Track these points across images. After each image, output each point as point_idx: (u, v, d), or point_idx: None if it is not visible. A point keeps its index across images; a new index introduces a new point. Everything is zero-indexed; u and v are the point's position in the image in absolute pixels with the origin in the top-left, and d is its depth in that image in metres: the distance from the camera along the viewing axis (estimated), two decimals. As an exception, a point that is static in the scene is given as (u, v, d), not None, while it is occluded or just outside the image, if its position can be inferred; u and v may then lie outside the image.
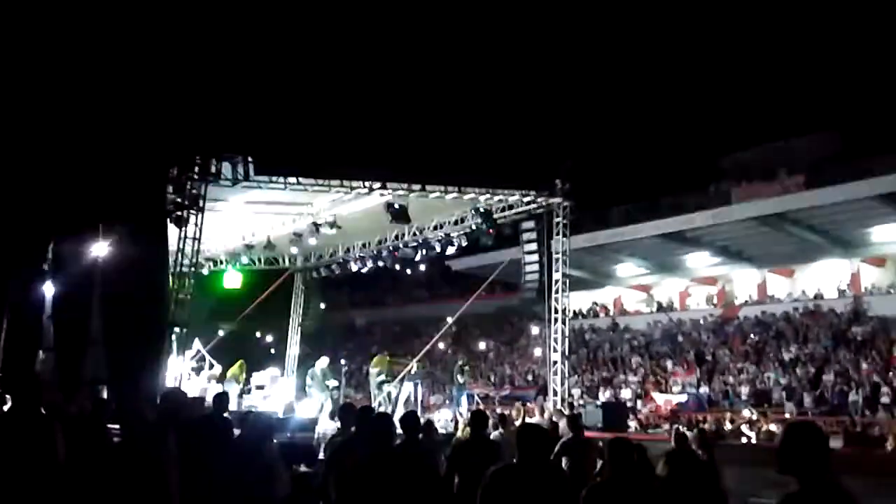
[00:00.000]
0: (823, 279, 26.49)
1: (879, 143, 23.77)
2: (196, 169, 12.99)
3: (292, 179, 13.87)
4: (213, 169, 12.97)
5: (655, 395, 22.45)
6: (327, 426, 12.27)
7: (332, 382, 16.39)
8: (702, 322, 28.28)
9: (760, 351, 24.17)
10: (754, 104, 36.91)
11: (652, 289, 32.48)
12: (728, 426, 16.81)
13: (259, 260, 20.30)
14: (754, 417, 16.84)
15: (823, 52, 35.56)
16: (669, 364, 25.34)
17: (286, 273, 22.06)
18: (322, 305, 22.71)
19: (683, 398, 21.65)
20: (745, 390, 21.72)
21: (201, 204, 13.23)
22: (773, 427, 15.30)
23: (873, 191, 21.76)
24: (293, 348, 22.48)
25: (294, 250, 19.29)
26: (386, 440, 4.22)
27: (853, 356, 21.44)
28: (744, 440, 15.62)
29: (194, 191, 13.12)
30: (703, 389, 22.28)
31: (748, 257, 28.28)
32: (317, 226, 16.00)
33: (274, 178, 13.68)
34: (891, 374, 19.73)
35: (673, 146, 36.75)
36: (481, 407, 17.41)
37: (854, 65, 34.00)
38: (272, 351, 27.29)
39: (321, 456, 7.86)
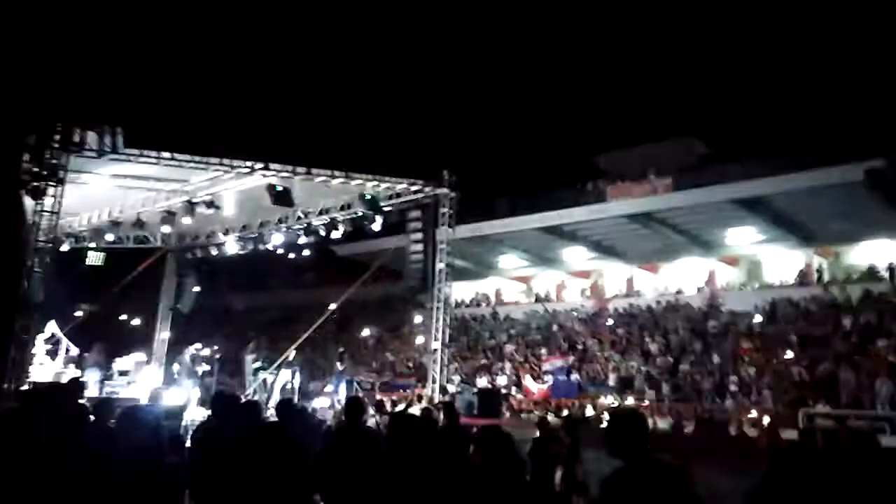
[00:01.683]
0: (684, 276, 28.50)
1: (736, 151, 25.92)
2: (57, 137, 12.00)
3: (166, 154, 13.13)
4: (77, 138, 12.03)
5: (528, 382, 23.32)
6: (196, 414, 11.82)
7: (204, 368, 15.77)
8: (575, 313, 29.66)
9: (626, 341, 25.70)
10: (632, 109, 39.10)
11: (531, 280, 33.64)
12: (592, 412, 17.80)
13: (127, 238, 19.09)
14: (616, 403, 17.93)
15: (694, 66, 38.21)
16: (543, 352, 26.38)
17: (157, 253, 20.89)
18: (196, 288, 21.64)
19: (554, 386, 22.62)
20: (611, 377, 23.05)
21: (62, 175, 12.25)
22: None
23: (728, 195, 23.61)
24: (162, 333, 21.37)
25: (167, 229, 18.28)
26: (253, 427, 4.12)
27: (706, 347, 23.27)
28: (604, 425, 16.61)
29: (54, 161, 12.13)
30: (574, 377, 23.38)
31: (619, 253, 29.87)
32: (192, 205, 15.27)
33: (146, 152, 12.89)
34: (738, 364, 21.57)
35: (555, 143, 38.22)
36: (360, 394, 17.38)
37: (720, 78, 36.80)
38: (142, 336, 25.77)
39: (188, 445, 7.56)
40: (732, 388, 20.28)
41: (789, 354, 20.74)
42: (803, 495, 5.02)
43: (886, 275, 23.51)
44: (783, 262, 26.57)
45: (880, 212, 22.31)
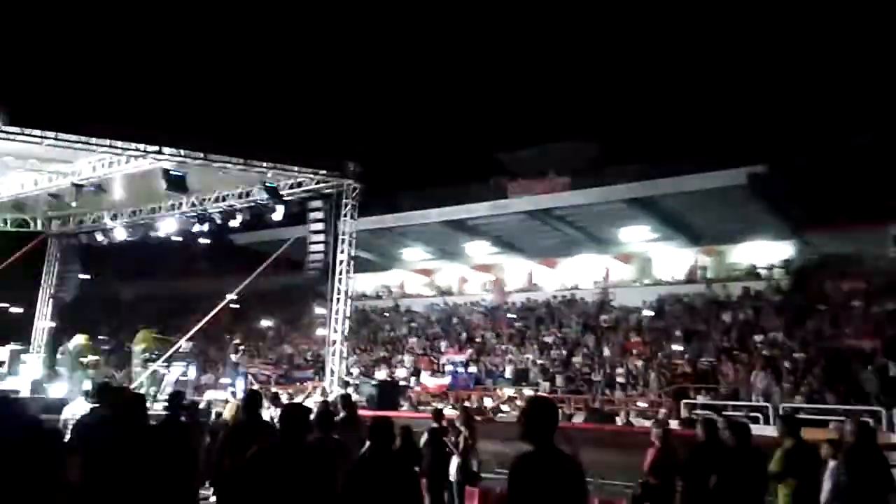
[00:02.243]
0: (580, 271, 29.62)
1: (631, 153, 27.23)
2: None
3: (50, 134, 12.28)
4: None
5: (427, 374, 23.56)
6: (79, 407, 11.17)
7: (89, 359, 14.92)
8: (475, 306, 30.20)
9: (524, 334, 26.42)
10: (533, 109, 40.25)
11: (434, 273, 33.91)
12: (489, 403, 18.22)
13: (5, 221, 17.76)
14: (513, 395, 18.44)
15: (593, 71, 39.73)
16: (443, 345, 26.71)
17: (38, 238, 19.52)
18: (82, 276, 20.40)
19: (452, 378, 22.97)
20: (508, 370, 23.62)
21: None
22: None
23: (622, 195, 24.72)
24: (43, 322, 20.01)
25: (49, 212, 17.11)
26: (135, 420, 3.97)
27: (598, 341, 24.29)
28: (501, 416, 17.04)
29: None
30: (472, 369, 23.83)
31: (519, 248, 30.60)
32: (78, 187, 14.39)
33: (27, 131, 12.01)
34: (627, 357, 22.67)
35: (459, 139, 38.67)
36: (256, 387, 16.99)
37: (617, 83, 38.48)
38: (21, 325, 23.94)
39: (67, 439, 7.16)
40: (621, 380, 21.27)
41: (674, 348, 21.99)
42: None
43: (765, 274, 25.34)
44: (672, 260, 28.09)
45: (761, 214, 24.08)
